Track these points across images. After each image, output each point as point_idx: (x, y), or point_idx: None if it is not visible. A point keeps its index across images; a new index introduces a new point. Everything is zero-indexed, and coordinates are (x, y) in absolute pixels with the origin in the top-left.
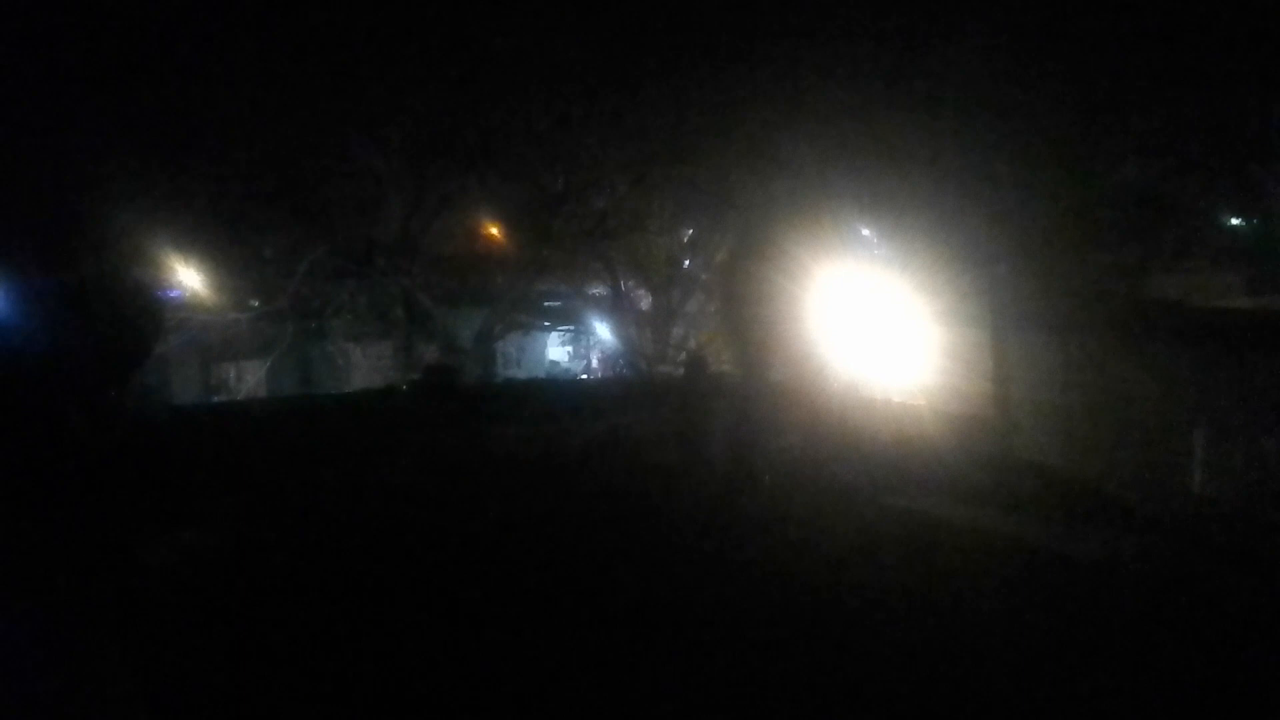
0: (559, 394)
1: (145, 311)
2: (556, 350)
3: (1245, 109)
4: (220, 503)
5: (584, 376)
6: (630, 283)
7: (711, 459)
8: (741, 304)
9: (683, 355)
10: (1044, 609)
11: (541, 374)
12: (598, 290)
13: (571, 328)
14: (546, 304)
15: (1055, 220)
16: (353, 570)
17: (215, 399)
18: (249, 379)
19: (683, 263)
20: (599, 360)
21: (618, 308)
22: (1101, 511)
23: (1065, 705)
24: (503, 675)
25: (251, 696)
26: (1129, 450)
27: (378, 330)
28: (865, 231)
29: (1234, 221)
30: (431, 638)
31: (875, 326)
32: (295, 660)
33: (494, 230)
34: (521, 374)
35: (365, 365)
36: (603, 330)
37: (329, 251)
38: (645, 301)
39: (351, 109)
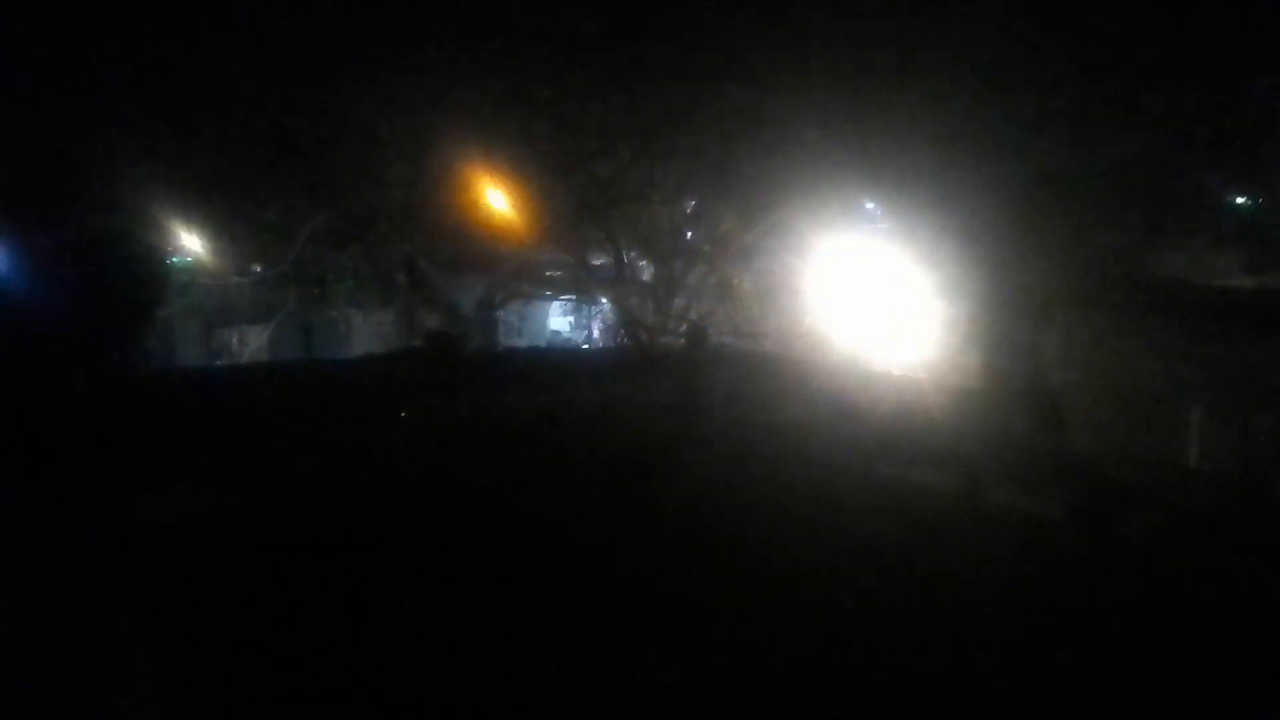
0: (560, 363)
1: (150, 273)
2: (558, 320)
3: (1253, 88)
4: (222, 464)
5: (585, 346)
6: (633, 253)
7: (711, 428)
8: None
9: (684, 326)
10: (1033, 580)
11: (543, 343)
12: (600, 260)
13: (573, 297)
14: (548, 273)
15: (1058, 195)
16: (351, 532)
17: (218, 363)
18: (251, 344)
19: (685, 234)
20: (600, 330)
21: (620, 278)
22: (1096, 486)
23: (1057, 673)
24: (496, 641)
25: (243, 652)
26: (1126, 426)
27: (379, 297)
28: (869, 205)
29: (1238, 200)
30: (427, 603)
31: (877, 299)
32: (288, 618)
33: (497, 198)
34: (523, 343)
35: (367, 332)
36: (605, 300)
37: (331, 217)
38: (647, 272)
39: (356, 73)
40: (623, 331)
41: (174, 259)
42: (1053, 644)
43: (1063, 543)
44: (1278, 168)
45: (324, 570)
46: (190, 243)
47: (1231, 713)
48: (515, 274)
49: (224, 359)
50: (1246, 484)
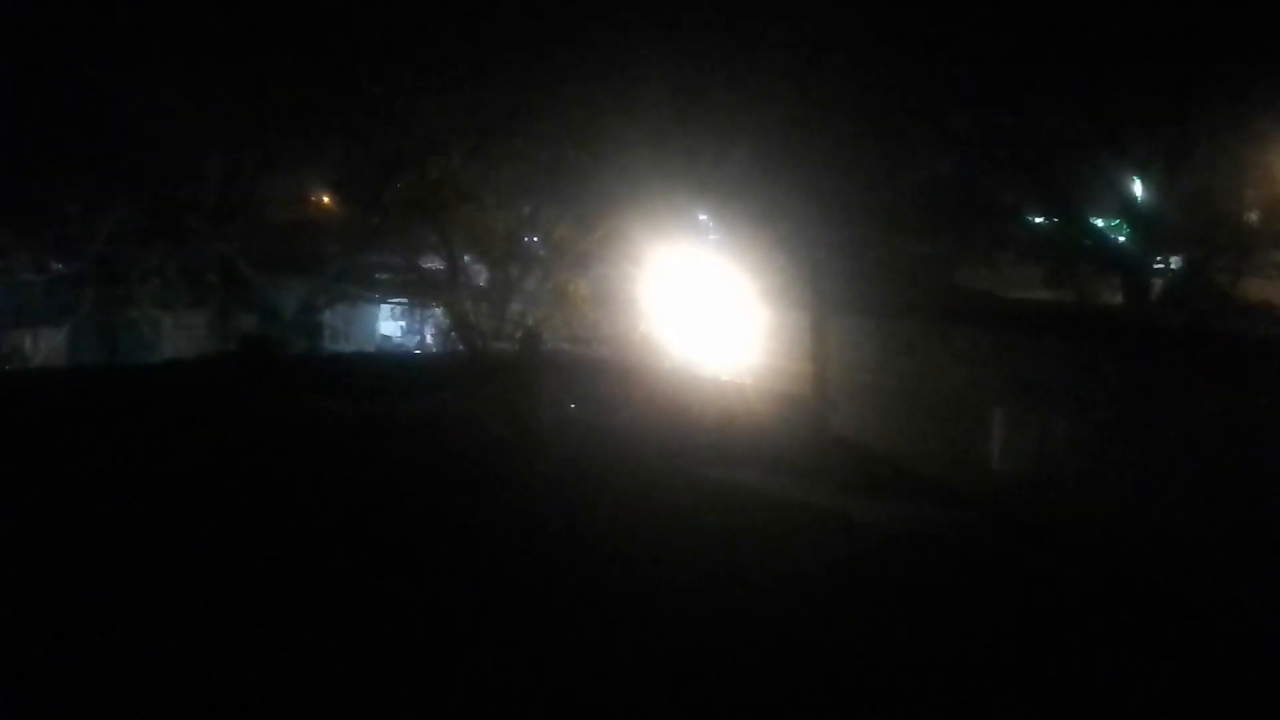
0: (388, 368)
1: None
2: (389, 324)
3: (1053, 117)
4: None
5: (417, 351)
6: (467, 257)
7: (543, 433)
8: None
9: (519, 332)
10: (850, 574)
11: (372, 348)
12: (433, 264)
13: (405, 301)
14: (378, 275)
15: (877, 211)
16: (154, 545)
17: (5, 368)
18: (45, 347)
19: (521, 238)
20: (433, 335)
21: (453, 282)
22: (908, 485)
23: (872, 663)
24: (315, 656)
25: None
26: (936, 428)
27: (190, 298)
28: (701, 216)
29: (1038, 220)
30: (254, 614)
31: (708, 307)
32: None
33: (322, 196)
34: (350, 347)
35: (176, 335)
36: (438, 304)
37: (138, 210)
38: (482, 276)
39: (168, 59)
40: (456, 336)
41: None
42: (868, 636)
43: (878, 540)
44: (1064, 189)
45: (129, 583)
46: None
47: (1034, 693)
48: (341, 275)
49: (14, 364)
50: (1042, 481)
